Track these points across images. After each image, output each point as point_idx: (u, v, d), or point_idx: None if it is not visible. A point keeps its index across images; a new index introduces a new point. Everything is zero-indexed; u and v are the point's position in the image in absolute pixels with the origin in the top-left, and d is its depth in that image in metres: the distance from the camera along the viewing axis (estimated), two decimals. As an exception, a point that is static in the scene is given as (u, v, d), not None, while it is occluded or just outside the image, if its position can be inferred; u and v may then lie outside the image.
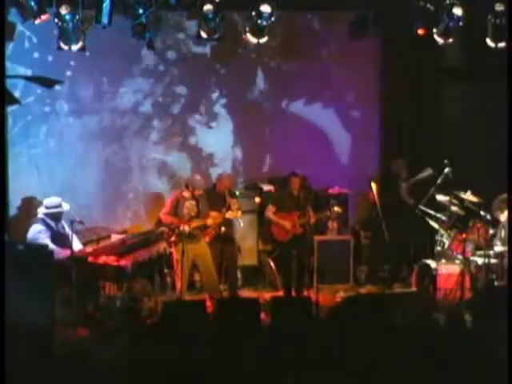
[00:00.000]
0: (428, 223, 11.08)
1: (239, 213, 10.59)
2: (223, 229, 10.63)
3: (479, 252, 10.53)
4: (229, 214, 10.53)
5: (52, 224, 9.72)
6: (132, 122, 12.04)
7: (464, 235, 10.56)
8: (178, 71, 12.15)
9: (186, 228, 10.10)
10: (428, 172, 11.52)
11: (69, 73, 11.56)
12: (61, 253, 9.36)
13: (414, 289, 10.75)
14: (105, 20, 9.69)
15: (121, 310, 9.42)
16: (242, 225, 10.85)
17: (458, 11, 10.39)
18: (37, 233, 9.65)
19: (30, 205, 11.04)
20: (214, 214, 10.49)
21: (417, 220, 11.22)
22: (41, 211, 9.80)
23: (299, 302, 9.02)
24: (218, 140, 12.38)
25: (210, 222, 10.42)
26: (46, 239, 9.54)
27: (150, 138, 12.13)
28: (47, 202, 9.84)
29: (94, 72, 11.72)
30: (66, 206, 9.87)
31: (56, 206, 9.79)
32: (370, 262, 11.96)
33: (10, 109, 10.70)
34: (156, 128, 12.15)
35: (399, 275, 11.66)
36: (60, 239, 9.65)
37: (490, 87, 11.57)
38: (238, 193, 11.39)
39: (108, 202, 11.89)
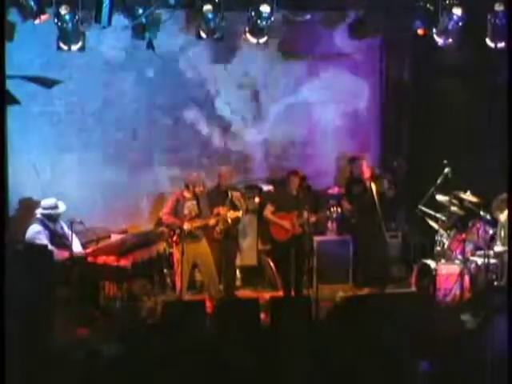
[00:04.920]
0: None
1: (240, 212, 10.59)
2: (230, 222, 10.54)
3: (479, 252, 10.53)
4: (232, 213, 10.50)
5: (50, 224, 9.72)
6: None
7: (464, 235, 10.56)
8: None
9: (186, 227, 10.09)
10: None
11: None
12: (59, 253, 9.36)
13: (413, 289, 10.75)
14: (104, 20, 9.69)
15: (121, 309, 9.42)
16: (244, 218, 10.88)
17: (457, 11, 10.39)
18: (35, 233, 9.65)
19: (28, 205, 11.03)
20: (222, 209, 10.46)
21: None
22: (38, 212, 9.80)
23: (299, 302, 9.02)
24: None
25: (212, 221, 10.41)
26: (44, 239, 9.54)
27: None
28: (44, 202, 9.84)
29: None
30: (62, 207, 9.86)
31: (52, 207, 9.78)
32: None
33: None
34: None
35: (392, 275, 11.63)
36: (58, 240, 9.64)
37: (490, 87, 11.57)
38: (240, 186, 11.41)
39: (108, 201, 11.89)
